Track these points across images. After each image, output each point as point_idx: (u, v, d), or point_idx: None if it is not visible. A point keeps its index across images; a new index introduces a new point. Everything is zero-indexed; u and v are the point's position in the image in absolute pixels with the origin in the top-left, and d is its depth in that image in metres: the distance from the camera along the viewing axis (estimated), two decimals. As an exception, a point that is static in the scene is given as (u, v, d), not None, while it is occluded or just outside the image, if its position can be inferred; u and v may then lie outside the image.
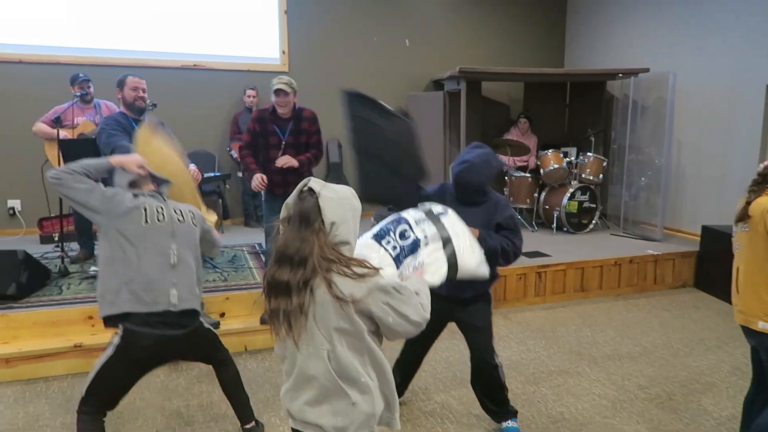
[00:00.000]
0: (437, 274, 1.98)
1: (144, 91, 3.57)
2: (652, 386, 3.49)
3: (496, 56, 7.51)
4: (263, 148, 3.92)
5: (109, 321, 2.36)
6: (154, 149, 2.76)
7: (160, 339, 2.34)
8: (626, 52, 6.87)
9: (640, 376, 3.63)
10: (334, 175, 6.87)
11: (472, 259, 2.08)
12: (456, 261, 2.01)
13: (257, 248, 5.38)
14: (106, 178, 2.57)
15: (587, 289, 5.17)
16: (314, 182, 1.64)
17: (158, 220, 2.39)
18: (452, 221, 2.09)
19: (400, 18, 7.11)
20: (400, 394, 3.02)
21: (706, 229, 5.39)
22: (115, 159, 2.52)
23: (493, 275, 2.48)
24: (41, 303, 3.81)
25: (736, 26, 5.52)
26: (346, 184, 6.08)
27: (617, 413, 3.16)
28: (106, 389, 2.38)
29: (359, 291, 1.56)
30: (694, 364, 3.80)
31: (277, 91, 3.77)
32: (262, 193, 4.07)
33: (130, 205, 2.36)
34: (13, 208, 5.92)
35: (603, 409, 3.20)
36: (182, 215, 2.50)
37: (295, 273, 1.55)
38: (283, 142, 3.87)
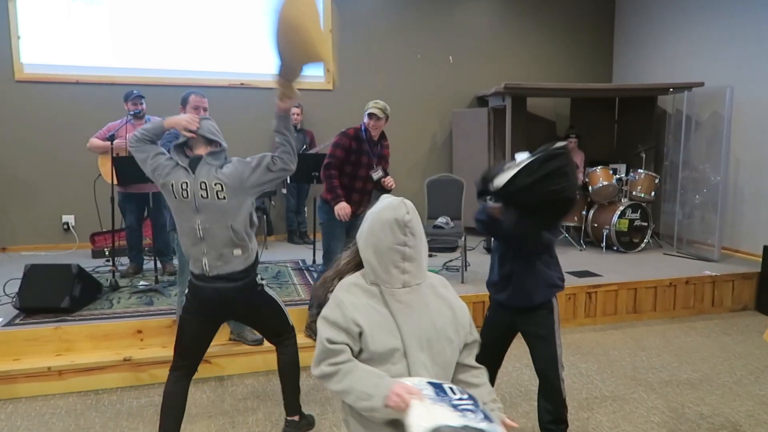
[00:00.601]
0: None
1: (205, 110, 3.63)
2: (715, 416, 3.29)
3: (541, 71, 7.40)
4: (353, 165, 3.89)
5: None
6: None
7: (211, 291, 2.56)
8: (677, 66, 6.67)
9: (702, 404, 3.43)
10: (380, 189, 6.85)
11: None
12: None
13: (301, 264, 5.38)
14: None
15: (640, 311, 4.97)
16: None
17: (183, 196, 2.52)
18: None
19: (443, 35, 7.10)
20: None
21: (768, 250, 5.13)
22: (168, 121, 2.60)
23: (556, 284, 2.50)
24: (93, 316, 3.89)
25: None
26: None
27: (679, 444, 2.99)
28: (185, 341, 2.62)
29: None
30: (761, 393, 3.58)
31: (371, 115, 3.84)
32: (320, 210, 4.01)
33: (163, 180, 2.54)
34: (67, 223, 6.12)
35: (663, 439, 3.03)
36: (207, 191, 2.49)
37: None
38: (375, 162, 3.93)
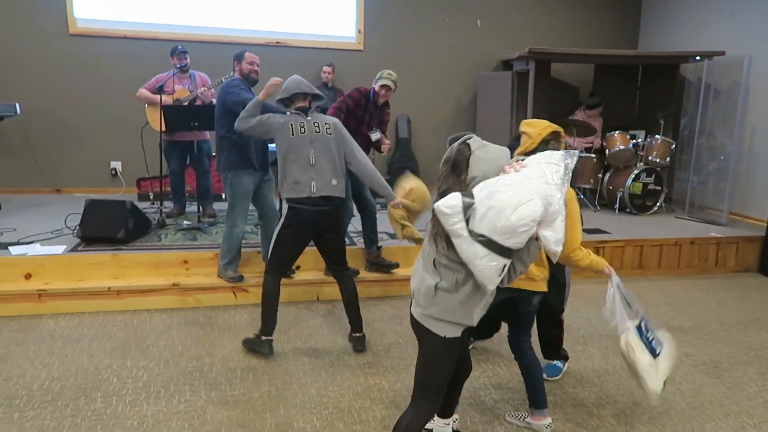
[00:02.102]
0: None
1: (258, 65, 4.05)
2: (699, 355, 3.64)
3: (568, 37, 7.56)
4: (358, 121, 4.25)
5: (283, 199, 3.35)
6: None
7: (312, 212, 3.23)
8: (702, 35, 6.78)
9: (689, 346, 3.78)
10: (403, 150, 7.20)
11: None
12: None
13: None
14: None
15: (645, 267, 5.28)
16: (475, 140, 1.93)
17: (301, 132, 3.23)
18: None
19: (472, -1, 7.29)
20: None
21: (773, 214, 5.36)
22: (261, 95, 3.42)
23: None
24: (144, 247, 4.37)
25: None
26: (413, 159, 6.50)
27: (661, 373, 3.35)
28: (282, 252, 3.32)
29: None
30: (746, 339, 3.90)
31: (384, 86, 4.23)
32: None
33: (277, 125, 3.27)
34: (115, 169, 6.62)
35: (647, 369, 3.40)
36: (319, 127, 3.26)
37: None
38: (375, 126, 4.36)
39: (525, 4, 7.46)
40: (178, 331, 3.71)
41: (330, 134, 3.28)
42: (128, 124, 6.35)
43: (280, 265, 3.36)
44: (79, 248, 4.28)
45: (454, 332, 2.00)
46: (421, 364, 2.07)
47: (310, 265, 4.40)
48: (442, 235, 1.89)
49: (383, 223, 4.26)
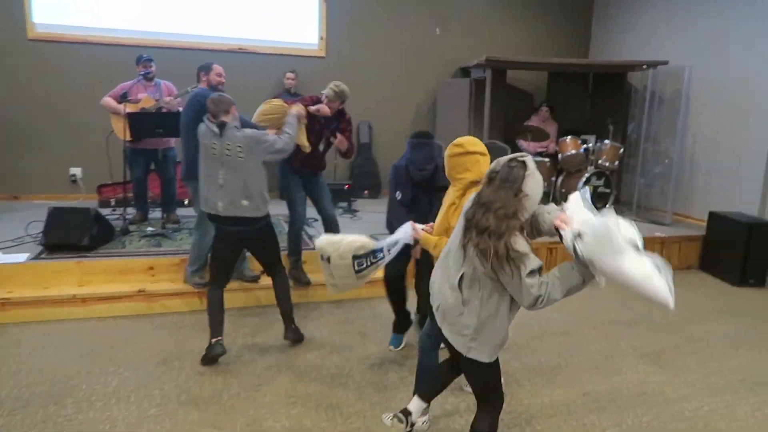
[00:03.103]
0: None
1: (224, 77, 4.31)
2: (644, 346, 3.91)
3: (524, 45, 7.85)
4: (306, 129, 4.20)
5: None
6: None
7: (230, 231, 3.38)
8: (649, 44, 7.15)
9: (635, 339, 4.04)
10: (364, 154, 7.35)
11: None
12: None
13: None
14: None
15: (596, 266, 5.55)
16: (529, 160, 2.06)
17: (212, 153, 3.29)
18: None
19: (432, 6, 7.50)
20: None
21: (712, 215, 5.73)
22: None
23: None
24: (109, 254, 4.39)
25: (751, 21, 5.79)
26: (374, 163, 6.62)
27: (609, 365, 3.60)
28: (213, 264, 3.53)
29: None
30: (688, 332, 4.20)
31: (326, 96, 4.17)
32: (279, 170, 4.42)
33: (200, 138, 3.36)
34: (74, 175, 6.55)
35: (596, 362, 3.64)
36: (231, 150, 3.27)
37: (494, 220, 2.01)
38: (326, 134, 4.30)
39: (482, 15, 7.71)
40: (145, 337, 3.76)
41: (242, 157, 3.26)
42: (89, 130, 6.30)
43: (214, 276, 3.50)
44: (42, 256, 4.27)
45: (498, 352, 2.16)
46: (476, 381, 2.26)
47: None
48: (481, 250, 1.99)
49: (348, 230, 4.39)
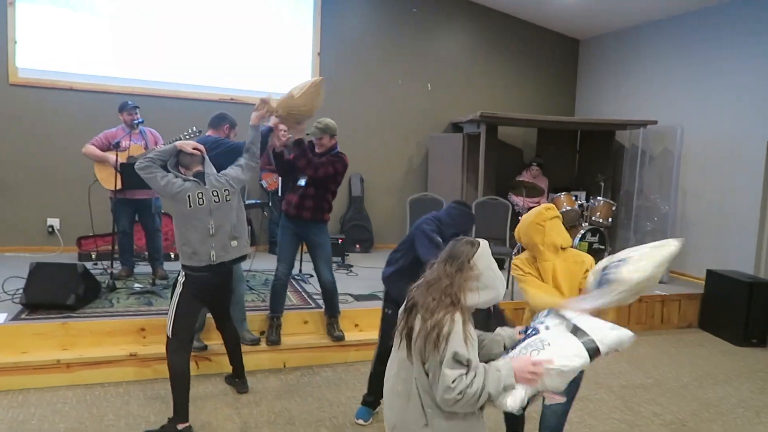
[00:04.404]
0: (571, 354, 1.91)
1: (235, 136, 4.20)
2: (666, 414, 3.76)
3: (511, 102, 7.97)
4: (294, 169, 4.05)
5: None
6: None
7: (210, 278, 3.17)
8: (634, 104, 7.34)
9: (654, 404, 3.90)
10: (356, 207, 7.21)
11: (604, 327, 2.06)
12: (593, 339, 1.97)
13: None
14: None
15: (599, 325, 5.45)
16: (483, 242, 1.90)
17: (199, 204, 3.08)
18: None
19: (423, 63, 7.57)
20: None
21: (710, 273, 5.73)
22: (178, 143, 3.21)
23: None
24: (96, 314, 4.07)
25: (738, 84, 5.99)
26: (366, 217, 6.33)
27: (637, 435, 3.43)
28: (184, 321, 3.12)
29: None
30: (704, 396, 4.08)
31: (313, 132, 4.03)
32: (281, 215, 4.24)
33: (177, 191, 3.06)
34: (52, 226, 6.20)
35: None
36: (218, 196, 3.14)
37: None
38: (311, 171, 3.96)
39: (472, 71, 7.83)
40: (138, 407, 3.43)
41: (229, 200, 3.19)
42: (69, 179, 6.02)
43: (185, 336, 3.15)
44: (22, 316, 3.92)
45: None
46: None
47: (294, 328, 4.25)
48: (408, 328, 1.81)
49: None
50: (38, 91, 6.05)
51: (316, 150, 4.09)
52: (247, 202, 5.45)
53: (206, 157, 3.22)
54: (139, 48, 6.41)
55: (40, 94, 6.06)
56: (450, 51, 7.73)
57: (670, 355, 4.96)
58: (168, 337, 3.11)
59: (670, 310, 5.76)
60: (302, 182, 4.07)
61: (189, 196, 3.07)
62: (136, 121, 4.93)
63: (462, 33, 7.78)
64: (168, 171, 3.11)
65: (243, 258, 3.32)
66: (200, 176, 3.12)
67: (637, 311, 5.60)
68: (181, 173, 3.15)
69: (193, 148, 3.17)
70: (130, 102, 5.11)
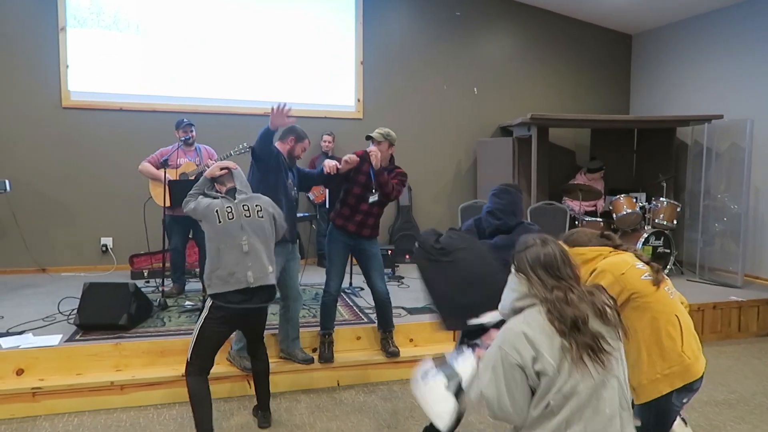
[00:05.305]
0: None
1: (303, 151, 3.92)
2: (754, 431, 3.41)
3: (560, 103, 7.66)
4: (352, 182, 3.94)
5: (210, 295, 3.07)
6: None
7: (239, 311, 3.01)
8: (695, 99, 6.92)
9: (742, 422, 3.55)
10: (404, 217, 7.04)
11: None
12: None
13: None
14: None
15: (670, 335, 5.09)
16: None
17: (229, 218, 3.00)
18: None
19: (469, 67, 7.38)
20: None
21: (792, 276, 5.29)
22: (207, 172, 3.21)
23: None
24: (149, 333, 4.02)
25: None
26: (415, 226, 6.11)
27: (727, 459, 3.11)
28: (204, 347, 3.02)
29: None
30: (797, 413, 3.70)
31: (370, 138, 3.92)
32: (331, 228, 4.07)
33: (202, 211, 3.04)
34: (105, 245, 6.27)
35: (712, 455, 3.15)
36: (249, 210, 3.05)
37: None
38: (374, 186, 3.89)
39: (519, 73, 7.58)
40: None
41: (262, 217, 3.09)
42: (121, 198, 6.09)
43: (203, 362, 3.05)
44: (77, 337, 3.91)
45: None
46: None
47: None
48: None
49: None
50: (90, 113, 6.16)
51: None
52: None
53: (236, 174, 3.17)
54: (186, 66, 6.47)
55: (91, 116, 6.17)
56: (495, 53, 7.51)
57: (752, 366, 4.55)
58: (187, 360, 3.04)
59: (748, 317, 5.33)
60: (374, 199, 3.90)
61: (218, 212, 3.00)
62: (183, 138, 4.92)
63: (507, 34, 7.55)
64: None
65: (273, 296, 3.13)
66: (231, 192, 3.08)
67: (712, 319, 5.20)
68: (216, 191, 3.15)
69: (222, 168, 3.14)
70: (185, 119, 5.12)
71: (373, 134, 3.93)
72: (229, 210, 3.01)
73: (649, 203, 6.41)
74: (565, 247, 1.88)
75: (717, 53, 6.64)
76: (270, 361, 3.87)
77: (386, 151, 3.95)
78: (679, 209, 6.37)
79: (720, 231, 6.31)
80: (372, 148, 3.84)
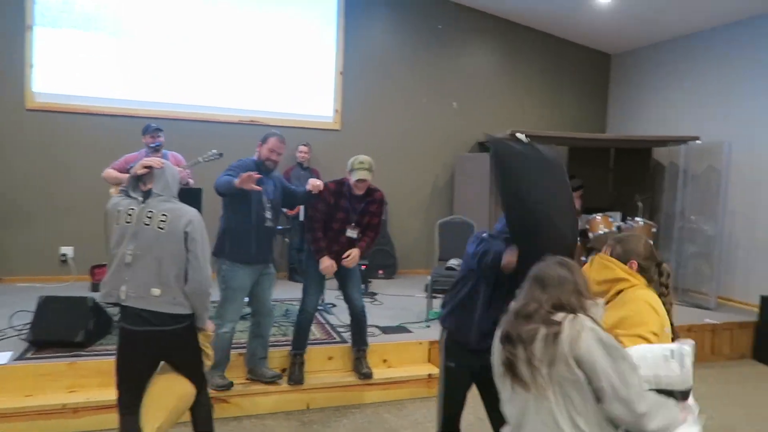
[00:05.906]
0: None
1: (278, 155, 3.64)
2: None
3: (539, 121, 7.65)
4: (329, 219, 3.78)
5: None
6: None
7: (137, 333, 2.52)
8: (670, 119, 6.97)
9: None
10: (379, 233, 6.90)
11: None
12: None
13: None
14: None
15: (646, 358, 5.04)
16: None
17: (126, 221, 2.53)
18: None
19: (449, 81, 7.31)
20: None
21: (766, 300, 5.29)
22: (132, 169, 2.67)
23: None
24: (107, 351, 3.77)
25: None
26: (390, 241, 5.92)
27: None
28: (122, 378, 2.58)
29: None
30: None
31: (359, 180, 3.68)
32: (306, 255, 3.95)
33: (110, 209, 2.61)
34: (65, 255, 5.98)
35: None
36: (152, 218, 2.51)
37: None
38: (353, 222, 3.77)
39: (499, 88, 7.55)
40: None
41: (162, 229, 2.49)
42: (83, 206, 5.81)
43: (128, 398, 2.58)
44: (28, 355, 3.65)
45: None
46: None
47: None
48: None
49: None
50: (55, 115, 5.89)
51: (357, 192, 3.74)
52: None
53: (157, 174, 2.60)
54: (158, 70, 6.24)
55: (56, 119, 5.89)
56: (476, 68, 7.46)
57: (728, 392, 4.51)
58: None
59: (721, 339, 5.32)
60: (354, 234, 3.78)
61: (119, 212, 2.55)
62: (152, 144, 4.70)
63: (488, 49, 7.52)
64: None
65: (161, 323, 2.50)
66: (147, 194, 2.58)
67: (687, 342, 5.16)
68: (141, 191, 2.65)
69: (144, 167, 2.61)
70: (153, 124, 4.90)
71: (362, 175, 3.65)
72: (130, 213, 2.53)
73: (625, 223, 6.39)
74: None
75: (694, 75, 6.70)
76: (236, 382, 3.71)
77: (370, 182, 3.77)
78: (654, 230, 6.35)
79: (694, 253, 6.32)
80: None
